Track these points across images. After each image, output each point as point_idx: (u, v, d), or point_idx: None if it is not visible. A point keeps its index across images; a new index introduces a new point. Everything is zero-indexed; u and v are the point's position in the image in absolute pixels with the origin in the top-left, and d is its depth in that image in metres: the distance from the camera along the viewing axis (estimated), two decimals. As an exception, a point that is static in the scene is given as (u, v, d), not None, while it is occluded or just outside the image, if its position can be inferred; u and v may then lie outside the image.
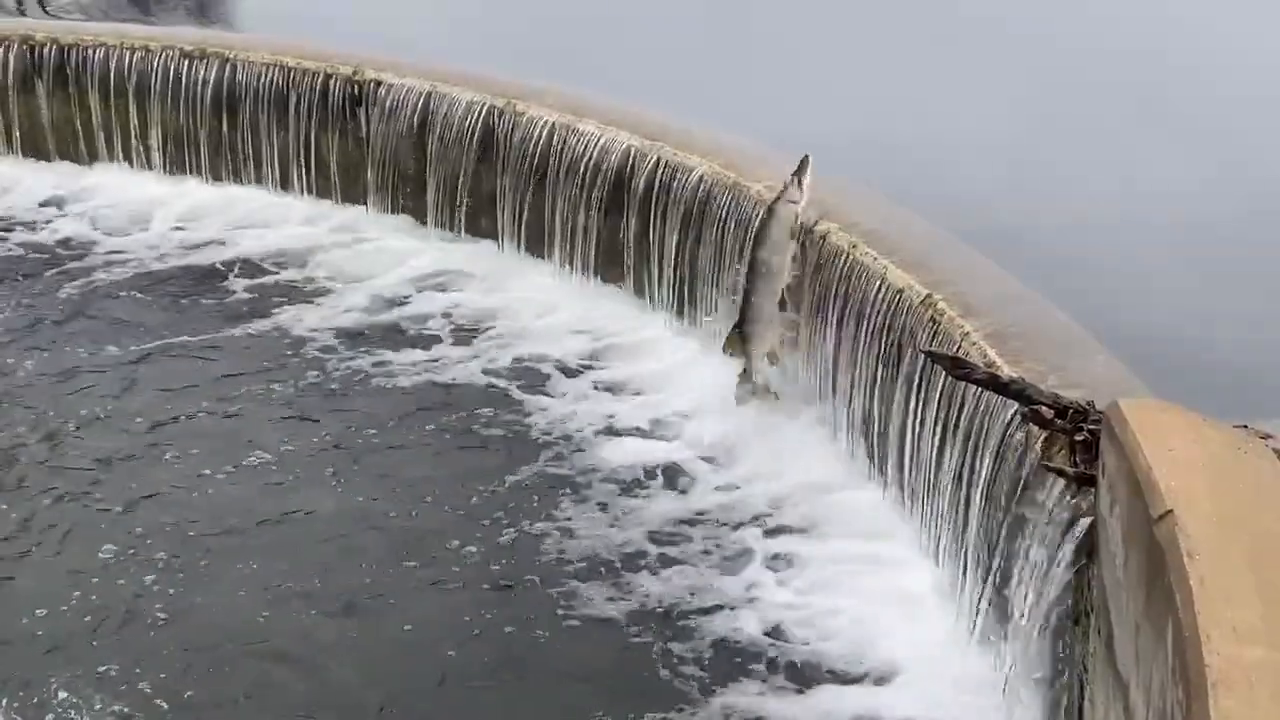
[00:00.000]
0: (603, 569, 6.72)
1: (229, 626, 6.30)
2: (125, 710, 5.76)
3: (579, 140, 9.42)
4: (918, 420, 6.61)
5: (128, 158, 11.67)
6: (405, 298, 9.71)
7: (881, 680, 6.02)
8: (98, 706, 5.76)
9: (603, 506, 7.23)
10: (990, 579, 5.76)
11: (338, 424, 8.01)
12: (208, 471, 7.53)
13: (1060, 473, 5.06)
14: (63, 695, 5.81)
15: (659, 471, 7.56)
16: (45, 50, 11.64)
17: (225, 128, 11.24)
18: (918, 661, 6.06)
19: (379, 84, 10.57)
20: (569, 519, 7.14)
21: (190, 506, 7.22)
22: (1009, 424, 5.69)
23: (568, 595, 6.54)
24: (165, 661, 6.06)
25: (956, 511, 6.22)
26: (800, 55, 11.43)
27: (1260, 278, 7.24)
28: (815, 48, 11.65)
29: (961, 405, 6.15)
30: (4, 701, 5.77)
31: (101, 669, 5.99)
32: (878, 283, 7.08)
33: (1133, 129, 9.49)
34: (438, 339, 9.14)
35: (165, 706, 5.79)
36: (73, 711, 5.73)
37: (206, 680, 5.96)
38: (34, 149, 11.89)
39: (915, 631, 6.22)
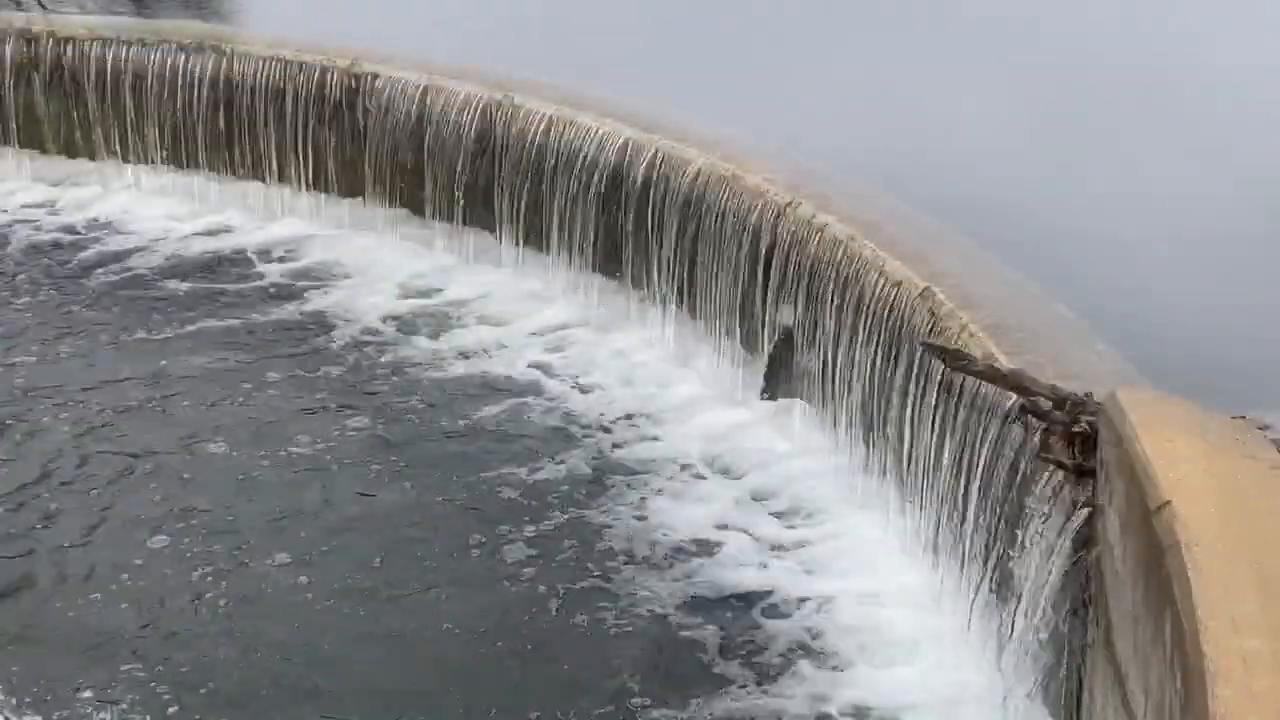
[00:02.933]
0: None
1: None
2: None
3: (576, 133, 9.39)
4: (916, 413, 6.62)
5: (124, 151, 11.66)
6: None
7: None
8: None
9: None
10: (988, 571, 5.76)
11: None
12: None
13: (1058, 464, 5.06)
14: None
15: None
16: (43, 43, 11.62)
17: (222, 121, 11.24)
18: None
19: (376, 76, 10.57)
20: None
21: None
22: (1007, 415, 5.68)
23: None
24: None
25: (955, 504, 6.22)
26: (803, 51, 11.37)
27: (1261, 271, 7.21)
28: (819, 44, 11.58)
29: (959, 397, 6.14)
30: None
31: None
32: (875, 274, 7.07)
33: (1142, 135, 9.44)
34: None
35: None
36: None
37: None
38: (31, 142, 11.88)
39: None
